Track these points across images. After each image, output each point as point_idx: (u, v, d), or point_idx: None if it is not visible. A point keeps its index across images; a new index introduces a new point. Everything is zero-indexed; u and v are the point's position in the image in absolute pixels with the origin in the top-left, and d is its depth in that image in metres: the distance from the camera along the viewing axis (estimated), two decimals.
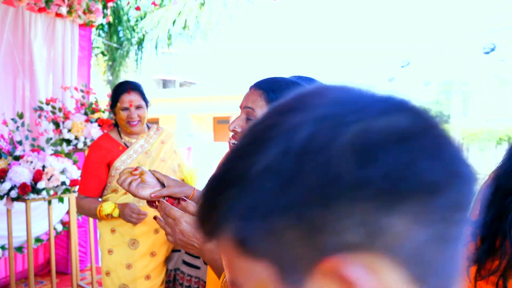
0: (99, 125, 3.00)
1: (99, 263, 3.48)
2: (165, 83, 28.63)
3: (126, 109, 2.04)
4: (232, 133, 1.02)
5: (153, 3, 3.63)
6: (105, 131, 2.25)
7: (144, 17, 5.98)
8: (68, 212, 3.60)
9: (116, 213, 1.89)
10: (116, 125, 2.19)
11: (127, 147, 2.11)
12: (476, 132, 22.41)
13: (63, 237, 3.84)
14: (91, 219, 3.42)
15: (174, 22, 5.81)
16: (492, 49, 10.03)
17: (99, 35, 6.63)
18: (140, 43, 6.22)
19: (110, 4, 3.45)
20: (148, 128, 2.19)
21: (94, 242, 3.64)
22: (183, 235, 0.90)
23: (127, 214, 1.85)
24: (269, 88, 0.98)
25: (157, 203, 1.08)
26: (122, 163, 2.03)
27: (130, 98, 2.03)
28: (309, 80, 1.10)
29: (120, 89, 2.06)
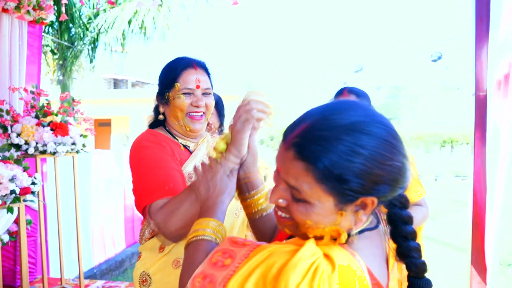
0: (51, 129, 2.83)
1: (50, 274, 3.29)
2: (116, 83, 27.70)
3: (189, 93, 1.37)
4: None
5: (109, 2, 3.48)
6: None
7: (98, 15, 5.75)
8: (16, 222, 3.37)
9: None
10: (158, 123, 1.50)
11: (188, 150, 1.45)
12: (422, 135, 23.59)
13: (10, 248, 3.60)
14: (42, 228, 3.21)
15: (129, 22, 5.64)
16: (439, 57, 10.63)
17: (47, 32, 6.30)
18: (94, 42, 5.97)
19: (64, 1, 3.26)
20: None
21: (46, 253, 3.43)
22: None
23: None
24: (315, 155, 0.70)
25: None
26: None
27: (197, 77, 1.37)
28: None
29: (181, 64, 1.38)
